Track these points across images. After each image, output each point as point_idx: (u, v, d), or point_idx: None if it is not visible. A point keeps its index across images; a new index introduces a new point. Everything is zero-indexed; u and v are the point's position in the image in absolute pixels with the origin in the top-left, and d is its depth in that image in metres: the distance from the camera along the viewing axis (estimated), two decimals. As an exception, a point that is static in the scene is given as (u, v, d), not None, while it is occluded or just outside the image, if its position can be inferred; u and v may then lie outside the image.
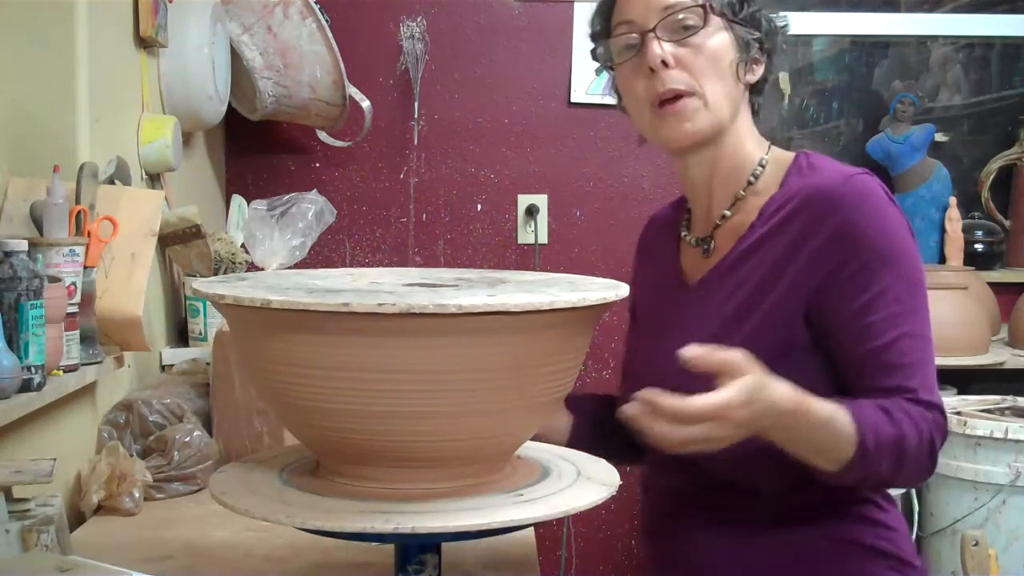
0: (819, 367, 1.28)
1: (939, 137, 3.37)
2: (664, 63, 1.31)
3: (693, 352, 1.08)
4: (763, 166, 1.38)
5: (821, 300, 1.27)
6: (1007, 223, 3.38)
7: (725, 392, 1.07)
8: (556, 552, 3.16)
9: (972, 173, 3.44)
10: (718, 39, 1.33)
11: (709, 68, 1.32)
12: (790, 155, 1.40)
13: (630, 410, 1.07)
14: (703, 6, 1.32)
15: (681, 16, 1.32)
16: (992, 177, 3.39)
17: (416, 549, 1.10)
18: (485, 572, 1.44)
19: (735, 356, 1.09)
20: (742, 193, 1.38)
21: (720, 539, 1.34)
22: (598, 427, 1.46)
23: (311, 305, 0.94)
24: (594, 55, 1.44)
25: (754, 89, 1.40)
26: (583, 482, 1.12)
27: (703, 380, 1.10)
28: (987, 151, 3.43)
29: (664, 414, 1.05)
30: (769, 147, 1.41)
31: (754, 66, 1.37)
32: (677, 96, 1.32)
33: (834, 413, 1.17)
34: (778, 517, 1.31)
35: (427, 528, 0.97)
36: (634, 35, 1.34)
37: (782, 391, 1.12)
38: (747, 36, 1.35)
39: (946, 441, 1.27)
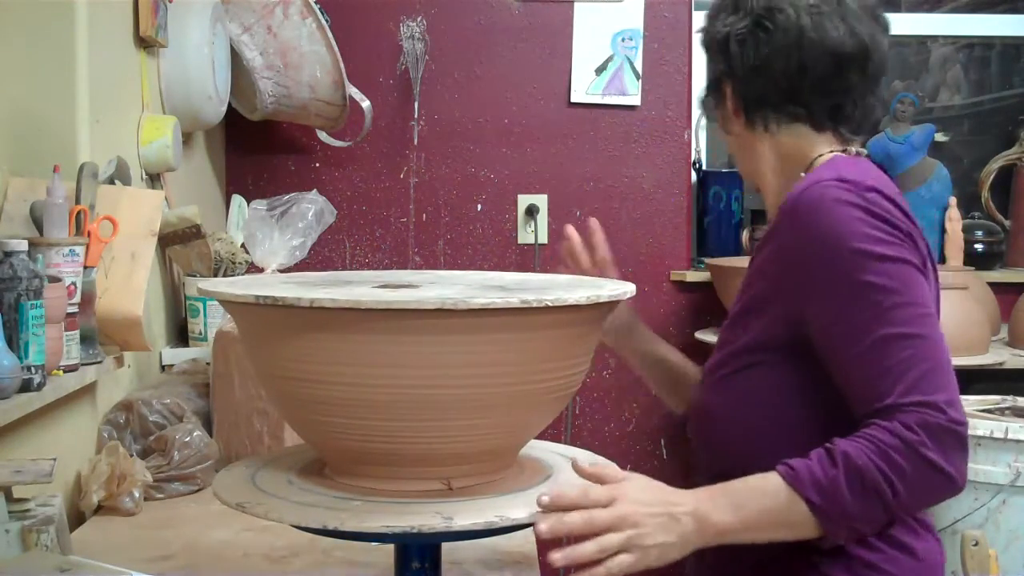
0: (805, 376, 1.23)
1: (939, 137, 3.37)
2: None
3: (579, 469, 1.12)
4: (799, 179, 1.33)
5: (798, 319, 1.22)
6: (1007, 223, 3.38)
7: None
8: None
9: (972, 173, 3.44)
10: (723, 103, 1.41)
11: (732, 141, 1.42)
12: (827, 160, 1.34)
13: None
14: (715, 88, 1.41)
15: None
16: (992, 177, 3.39)
17: (416, 549, 1.10)
18: (485, 572, 1.44)
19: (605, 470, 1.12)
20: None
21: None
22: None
23: (363, 304, 0.94)
24: None
25: (777, 103, 1.35)
26: (583, 482, 1.12)
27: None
28: (987, 151, 3.43)
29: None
30: (815, 159, 1.34)
31: (724, 105, 1.39)
32: None
33: (756, 479, 1.13)
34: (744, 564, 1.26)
35: (427, 528, 0.97)
36: None
37: (683, 494, 1.13)
38: (715, 89, 1.41)
39: (962, 435, 1.13)
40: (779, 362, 1.24)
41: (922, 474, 1.10)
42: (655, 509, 1.09)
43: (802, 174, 1.32)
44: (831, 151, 1.34)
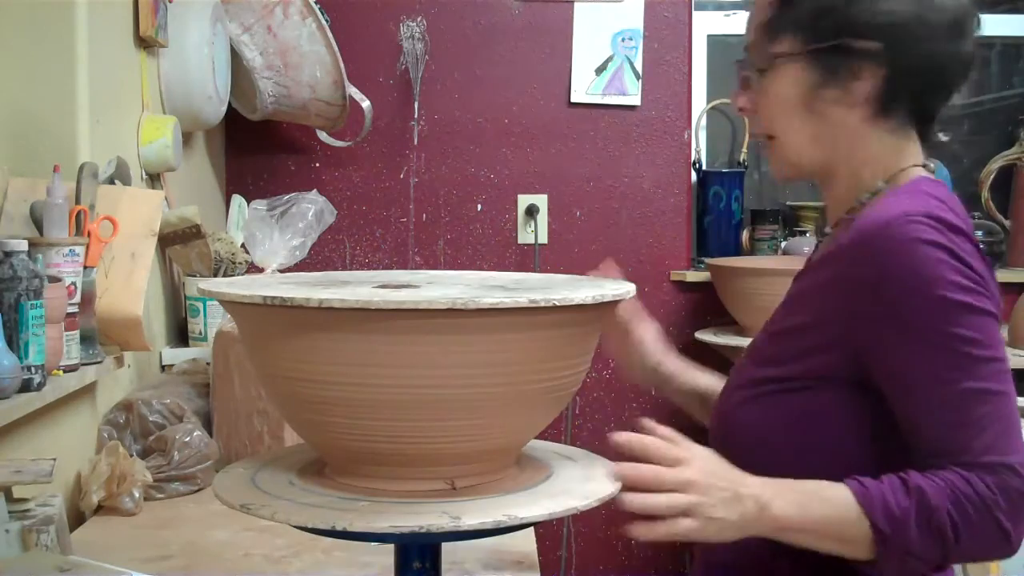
0: (863, 406, 1.19)
1: (939, 137, 3.37)
2: (742, 109, 1.30)
3: (621, 438, 1.10)
4: (873, 193, 1.26)
5: (862, 350, 1.18)
6: (1007, 223, 3.38)
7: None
8: (556, 552, 3.16)
9: (972, 173, 3.44)
10: (781, 79, 1.25)
11: (776, 112, 1.26)
12: (910, 176, 1.28)
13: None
14: (767, 42, 1.25)
15: (754, 56, 1.27)
16: (992, 177, 3.38)
17: (417, 549, 1.10)
18: (485, 572, 1.44)
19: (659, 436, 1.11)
20: (845, 215, 1.27)
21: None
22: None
23: (373, 304, 0.94)
24: None
25: (887, 104, 1.24)
26: (585, 482, 1.12)
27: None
28: (987, 151, 3.43)
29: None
30: (899, 172, 1.27)
31: (851, 86, 1.22)
32: (767, 136, 1.29)
33: (824, 486, 1.12)
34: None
35: (435, 528, 0.97)
36: None
37: (751, 478, 1.12)
38: (825, 62, 1.22)
39: None
40: (831, 388, 1.20)
41: (987, 532, 1.10)
42: (722, 483, 1.10)
43: (881, 183, 1.25)
44: (914, 164, 1.28)
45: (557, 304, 0.99)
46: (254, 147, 3.09)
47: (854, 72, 1.22)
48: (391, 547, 1.12)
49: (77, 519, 1.67)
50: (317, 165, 3.13)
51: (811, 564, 1.16)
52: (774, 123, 1.26)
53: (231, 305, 1.06)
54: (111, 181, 1.85)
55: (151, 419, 1.83)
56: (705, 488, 1.09)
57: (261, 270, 2.38)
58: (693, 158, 3.24)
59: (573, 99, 3.15)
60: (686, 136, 3.19)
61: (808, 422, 1.21)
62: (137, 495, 1.68)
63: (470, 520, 0.99)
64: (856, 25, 1.21)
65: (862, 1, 1.21)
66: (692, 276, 3.16)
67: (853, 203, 1.26)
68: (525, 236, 3.16)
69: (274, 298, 0.98)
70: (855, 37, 1.21)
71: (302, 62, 2.72)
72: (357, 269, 3.06)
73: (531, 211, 3.14)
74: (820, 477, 1.14)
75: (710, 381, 1.46)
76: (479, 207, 3.16)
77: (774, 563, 1.19)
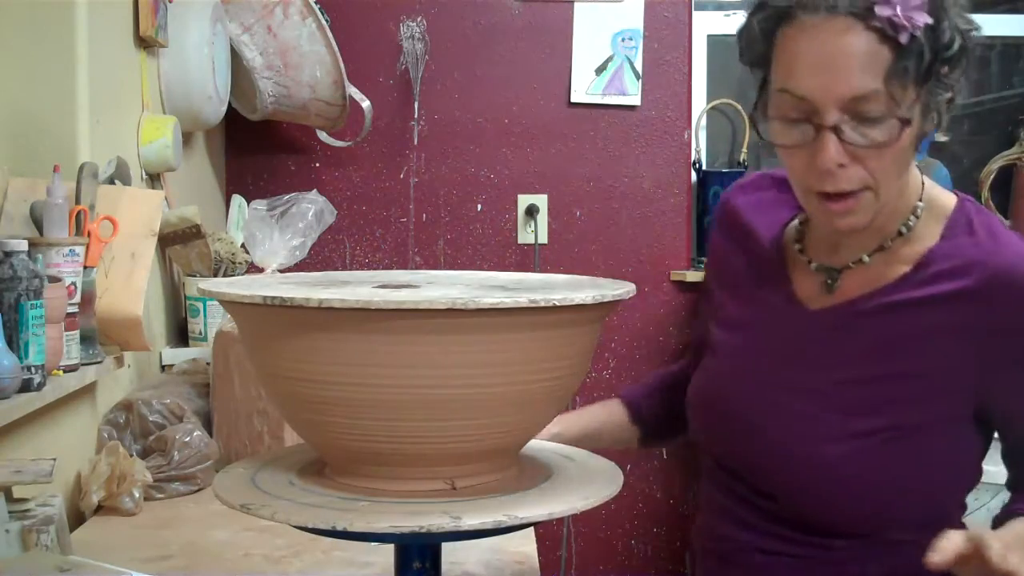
0: (974, 437, 1.24)
1: (939, 137, 3.37)
2: (841, 165, 1.15)
3: (943, 554, 1.03)
4: (917, 215, 1.24)
5: (995, 391, 1.21)
6: (1007, 223, 3.38)
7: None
8: (556, 552, 3.16)
9: (972, 173, 3.44)
10: (908, 130, 1.15)
11: (892, 166, 1.16)
12: (949, 200, 1.26)
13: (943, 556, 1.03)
14: (892, 94, 1.12)
15: (868, 108, 1.13)
16: (992, 177, 3.39)
17: (417, 549, 1.10)
18: (485, 572, 1.44)
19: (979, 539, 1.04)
20: (889, 243, 1.24)
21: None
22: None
23: (374, 304, 0.94)
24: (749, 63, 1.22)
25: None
26: (585, 482, 1.12)
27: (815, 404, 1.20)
28: (987, 151, 3.43)
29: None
30: (923, 186, 1.25)
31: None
32: (861, 188, 1.17)
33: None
34: None
35: (436, 528, 0.97)
36: (804, 119, 1.15)
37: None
38: (938, 99, 1.17)
39: None
40: (947, 429, 1.22)
41: None
42: None
43: (919, 203, 1.23)
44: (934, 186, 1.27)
45: (557, 304, 0.99)
46: (254, 147, 3.09)
47: (945, 104, 1.18)
48: (391, 547, 1.12)
49: (77, 519, 1.67)
50: (317, 165, 3.13)
51: None
52: (883, 176, 1.16)
53: (231, 305, 1.06)
54: (111, 181, 1.85)
55: (151, 419, 1.83)
56: None
57: (261, 270, 2.38)
58: (693, 158, 3.24)
59: (573, 99, 3.15)
60: (686, 136, 3.19)
61: (925, 464, 1.22)
62: (137, 495, 1.68)
63: (470, 520, 0.99)
64: (959, 59, 1.16)
65: (967, 35, 1.16)
66: (692, 276, 3.16)
67: (894, 228, 1.24)
68: (525, 236, 3.16)
69: (274, 298, 0.98)
70: (954, 71, 1.16)
71: (302, 62, 2.72)
72: (357, 269, 3.06)
73: (531, 211, 3.14)
74: (936, 515, 1.19)
75: (595, 415, 1.50)
76: (479, 207, 3.16)
77: None
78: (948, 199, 1.26)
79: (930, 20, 1.10)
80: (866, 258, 1.25)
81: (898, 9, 1.09)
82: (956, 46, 1.14)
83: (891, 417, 1.21)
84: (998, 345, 1.18)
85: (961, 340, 1.19)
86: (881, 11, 1.10)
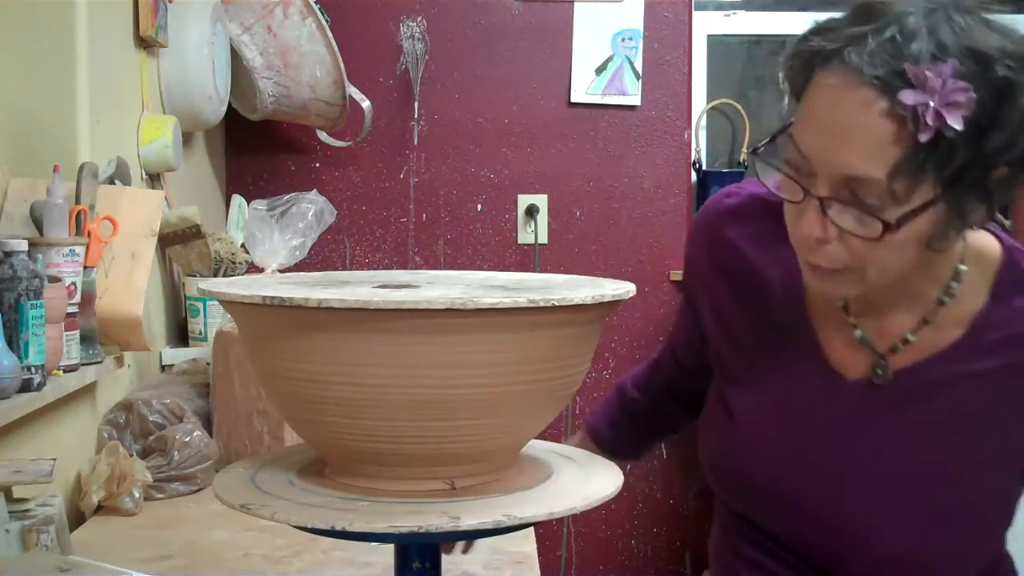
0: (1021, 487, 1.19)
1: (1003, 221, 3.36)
2: (819, 240, 1.04)
3: None
4: (959, 280, 1.13)
5: None
6: (1007, 223, 3.38)
7: None
8: (556, 552, 3.16)
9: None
10: (907, 229, 1.01)
11: (885, 257, 1.04)
12: (994, 249, 1.16)
13: None
14: (894, 189, 0.99)
15: (863, 192, 1.00)
16: (992, 177, 3.39)
17: (417, 549, 1.10)
18: (485, 572, 1.44)
19: None
20: (933, 316, 1.13)
21: None
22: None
23: (372, 304, 0.94)
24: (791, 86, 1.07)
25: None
26: (585, 482, 1.12)
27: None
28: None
29: None
30: (964, 244, 1.13)
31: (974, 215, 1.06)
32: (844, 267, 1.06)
33: None
34: None
35: (434, 528, 0.97)
36: (800, 176, 1.04)
37: None
38: (963, 199, 1.02)
39: None
40: (1008, 484, 1.19)
41: None
42: None
43: (962, 266, 1.14)
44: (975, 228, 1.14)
45: (557, 304, 0.99)
46: (254, 147, 3.09)
47: (982, 199, 1.05)
48: (391, 547, 1.12)
49: (77, 519, 1.67)
50: (317, 165, 3.13)
51: None
52: (872, 263, 1.05)
53: (231, 305, 1.06)
54: (111, 181, 1.85)
55: (151, 419, 1.83)
56: None
57: (261, 270, 2.38)
58: (693, 158, 3.24)
59: (573, 99, 3.15)
60: (686, 136, 3.19)
61: (980, 527, 1.19)
62: (137, 495, 1.68)
63: (470, 520, 0.99)
64: (1008, 154, 1.01)
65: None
66: (692, 276, 3.15)
67: (933, 295, 1.13)
68: (525, 236, 3.16)
69: (274, 298, 0.98)
70: (999, 165, 1.02)
71: (302, 62, 2.72)
72: (357, 269, 3.06)
73: (531, 211, 3.14)
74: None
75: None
76: (479, 207, 3.16)
77: None
78: (992, 249, 1.17)
79: (964, 125, 0.95)
80: (911, 337, 1.14)
81: (932, 100, 0.95)
82: (1016, 152, 1.00)
83: (952, 488, 1.14)
84: None
85: (1021, 409, 1.13)
86: (906, 98, 0.96)
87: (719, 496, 1.31)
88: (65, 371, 1.57)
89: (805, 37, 1.05)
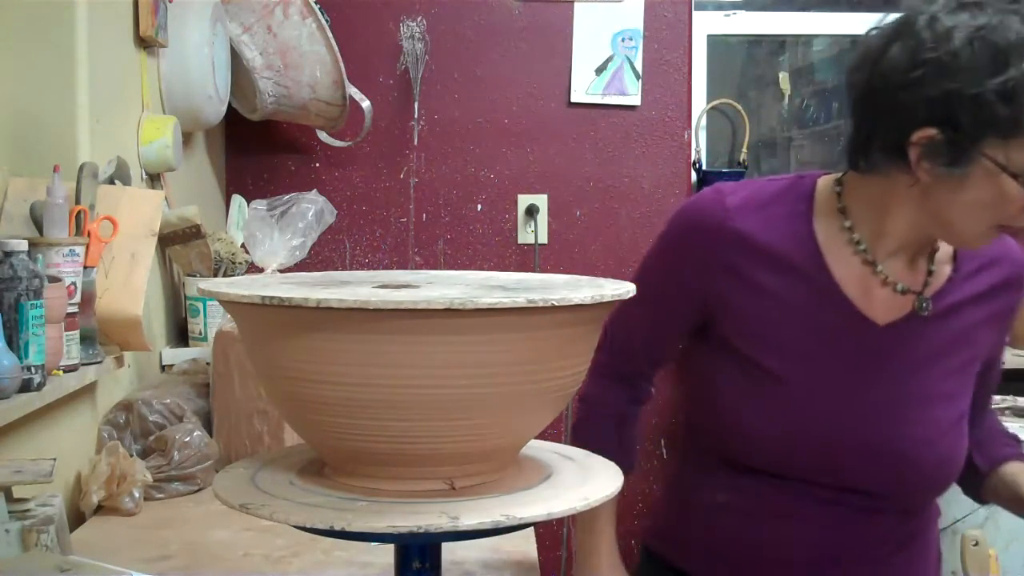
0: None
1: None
2: None
3: None
4: None
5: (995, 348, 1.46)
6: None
7: None
8: (556, 552, 3.16)
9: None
10: None
11: None
12: None
13: None
14: None
15: None
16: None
17: (417, 549, 1.10)
18: (485, 572, 1.44)
19: None
20: (934, 256, 1.40)
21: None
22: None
23: (371, 304, 0.94)
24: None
25: None
26: (585, 482, 1.12)
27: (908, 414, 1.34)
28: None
29: None
30: None
31: None
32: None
33: None
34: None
35: (433, 528, 0.98)
36: None
37: None
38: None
39: None
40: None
41: None
42: None
43: None
44: None
45: (556, 304, 0.99)
46: (254, 147, 3.09)
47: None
48: (391, 547, 1.12)
49: (77, 519, 1.67)
50: (317, 165, 3.13)
51: None
52: None
53: (231, 305, 1.06)
54: (111, 181, 1.85)
55: (151, 419, 1.83)
56: None
57: (261, 270, 2.38)
58: (693, 158, 3.24)
59: (573, 99, 3.15)
60: (686, 136, 3.19)
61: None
62: (137, 495, 1.68)
63: (469, 520, 0.99)
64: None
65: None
66: (692, 276, 3.15)
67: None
68: (525, 236, 3.16)
69: (273, 298, 0.98)
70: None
71: (302, 62, 2.72)
72: (357, 269, 3.06)
73: (531, 211, 3.14)
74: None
75: None
76: (479, 207, 3.16)
77: None
78: None
79: None
80: (930, 277, 1.38)
81: None
82: None
83: (966, 399, 1.40)
84: (1009, 318, 1.43)
85: (993, 323, 1.41)
86: None
87: (745, 464, 1.41)
88: (65, 371, 1.57)
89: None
